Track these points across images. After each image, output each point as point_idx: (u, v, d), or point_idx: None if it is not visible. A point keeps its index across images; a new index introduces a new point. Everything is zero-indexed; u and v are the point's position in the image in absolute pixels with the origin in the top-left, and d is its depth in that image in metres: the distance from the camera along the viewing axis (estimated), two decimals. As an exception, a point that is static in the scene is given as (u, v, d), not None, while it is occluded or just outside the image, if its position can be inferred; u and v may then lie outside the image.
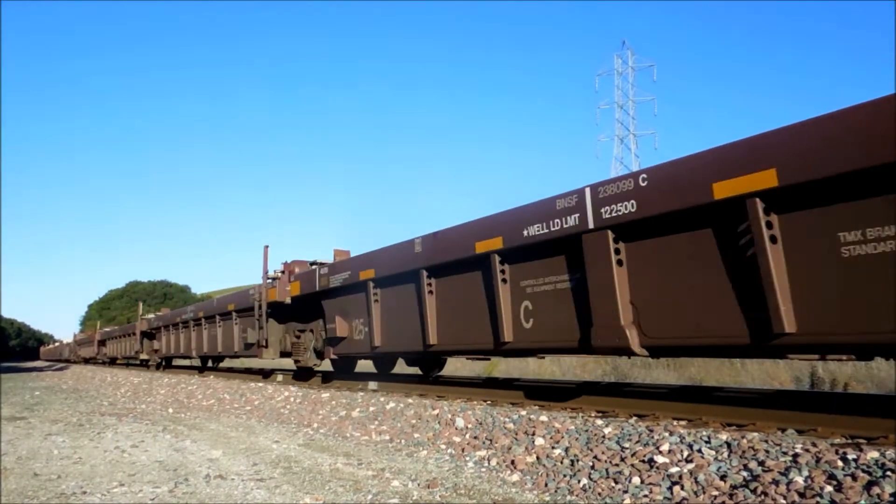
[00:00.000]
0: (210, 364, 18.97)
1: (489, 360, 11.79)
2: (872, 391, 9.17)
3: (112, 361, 28.77)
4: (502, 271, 5.86)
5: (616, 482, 3.42)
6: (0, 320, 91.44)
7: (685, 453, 3.51)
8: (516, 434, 4.52)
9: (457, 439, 4.83)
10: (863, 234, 3.49)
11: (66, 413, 8.52)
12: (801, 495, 2.80)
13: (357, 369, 11.32)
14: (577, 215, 5.00)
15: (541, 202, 5.41)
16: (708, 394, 5.46)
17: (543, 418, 4.72)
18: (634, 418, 4.79)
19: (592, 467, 3.67)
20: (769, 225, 3.86)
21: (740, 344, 4.05)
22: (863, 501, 2.66)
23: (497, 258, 5.86)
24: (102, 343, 29.59)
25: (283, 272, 10.77)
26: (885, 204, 3.37)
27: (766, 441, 3.46)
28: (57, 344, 64.78)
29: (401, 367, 10.75)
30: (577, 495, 3.40)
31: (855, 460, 2.99)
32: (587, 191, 4.95)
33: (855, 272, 3.51)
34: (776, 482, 2.95)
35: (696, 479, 3.20)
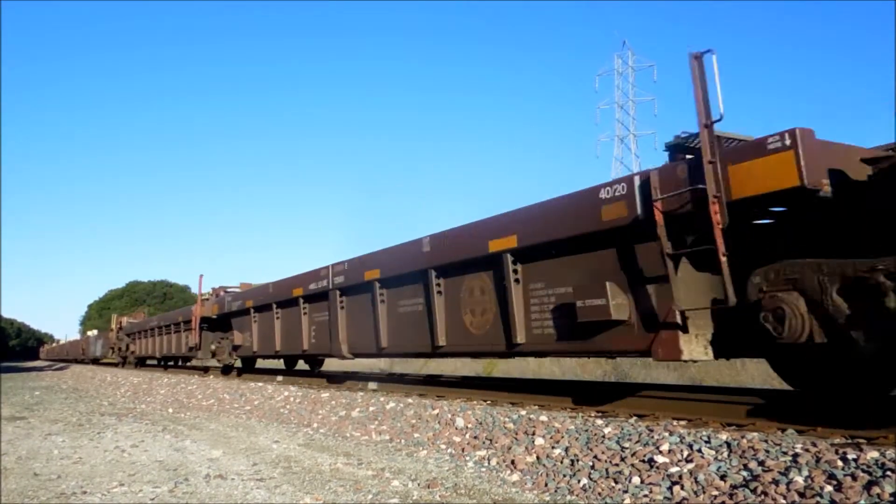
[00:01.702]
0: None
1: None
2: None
3: (249, 367, 14.79)
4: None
5: (616, 482, 3.42)
6: (0, 320, 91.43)
7: (685, 453, 3.51)
8: (516, 434, 4.52)
9: (457, 439, 4.83)
10: None
11: (65, 413, 8.52)
12: (801, 495, 2.80)
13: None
14: None
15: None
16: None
17: (543, 418, 4.72)
18: (634, 418, 4.79)
19: (592, 467, 3.67)
20: None
21: None
22: (863, 501, 2.66)
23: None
24: (216, 324, 14.12)
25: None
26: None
27: (766, 441, 3.46)
28: (61, 342, 56.75)
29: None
30: (577, 495, 3.40)
31: (855, 460, 2.99)
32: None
33: None
34: (776, 482, 2.95)
35: (696, 478, 3.20)
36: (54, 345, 63.28)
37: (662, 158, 5.47)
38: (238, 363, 14.75)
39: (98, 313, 77.08)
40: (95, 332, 38.98)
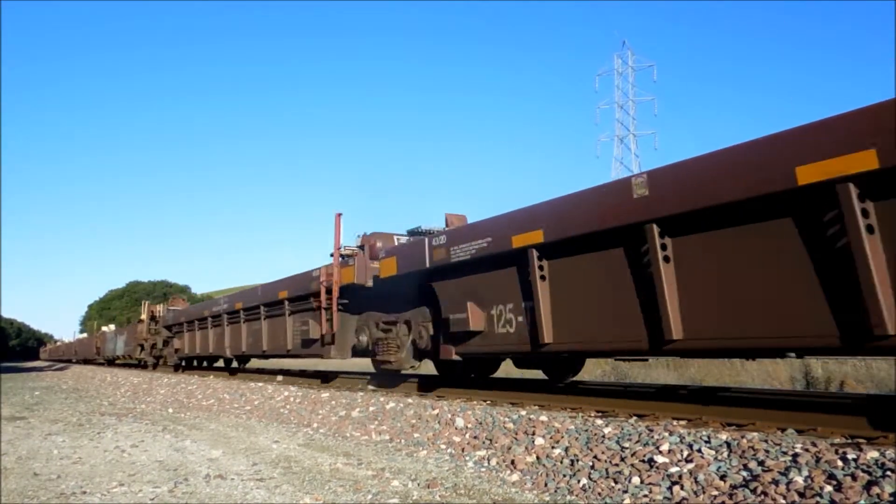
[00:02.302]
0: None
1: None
2: (872, 391, 9.17)
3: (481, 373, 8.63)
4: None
5: (616, 482, 3.42)
6: (0, 320, 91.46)
7: (685, 453, 3.51)
8: (516, 434, 4.52)
9: (456, 439, 4.83)
10: None
11: (65, 413, 8.52)
12: (801, 495, 2.80)
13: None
14: None
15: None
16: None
17: (543, 418, 4.71)
18: (634, 418, 4.79)
19: (592, 467, 3.67)
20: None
21: None
22: (862, 501, 2.65)
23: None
24: (368, 297, 8.79)
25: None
26: None
27: (766, 441, 3.46)
28: (65, 341, 52.44)
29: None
30: (576, 495, 3.40)
31: (855, 460, 2.99)
32: None
33: None
34: (776, 482, 2.95)
35: (696, 478, 3.20)
36: (58, 343, 58.61)
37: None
38: (411, 367, 7.85)
39: (98, 313, 77.19)
40: (112, 327, 33.56)
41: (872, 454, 3.02)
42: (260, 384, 10.45)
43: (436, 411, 5.64)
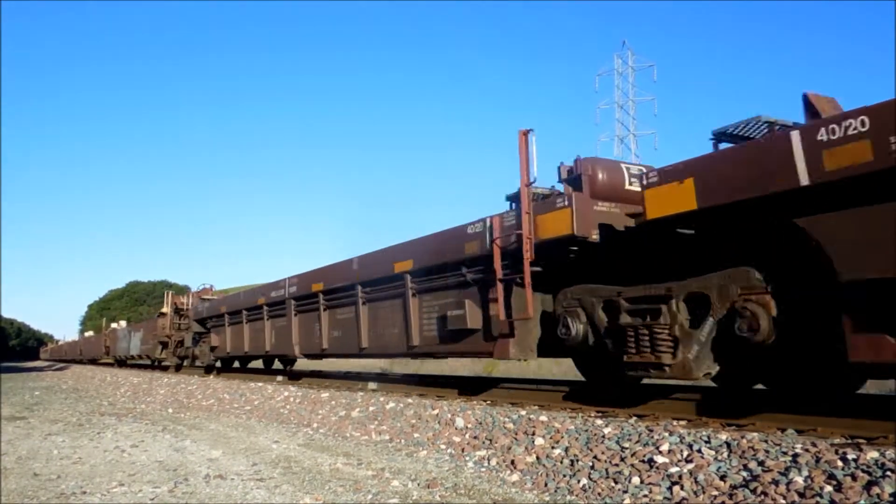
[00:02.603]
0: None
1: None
2: (872, 391, 9.17)
3: None
4: None
5: (616, 482, 3.42)
6: (0, 320, 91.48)
7: (685, 453, 3.51)
8: (516, 434, 4.52)
9: (456, 439, 4.83)
10: None
11: (65, 413, 8.53)
12: (801, 495, 2.80)
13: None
14: None
15: None
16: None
17: (543, 418, 4.71)
18: (634, 418, 4.78)
19: (592, 467, 3.67)
20: None
21: None
22: (862, 501, 2.66)
23: None
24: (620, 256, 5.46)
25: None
26: None
27: (766, 441, 3.46)
28: (67, 340, 50.43)
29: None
30: (576, 495, 3.40)
31: (855, 460, 2.99)
32: None
33: None
34: (776, 482, 2.95)
35: (695, 479, 3.20)
36: (60, 343, 56.73)
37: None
38: (705, 374, 4.51)
39: (98, 313, 77.19)
40: (123, 323, 30.23)
41: (872, 454, 3.02)
42: (260, 384, 10.44)
43: (436, 411, 5.64)
